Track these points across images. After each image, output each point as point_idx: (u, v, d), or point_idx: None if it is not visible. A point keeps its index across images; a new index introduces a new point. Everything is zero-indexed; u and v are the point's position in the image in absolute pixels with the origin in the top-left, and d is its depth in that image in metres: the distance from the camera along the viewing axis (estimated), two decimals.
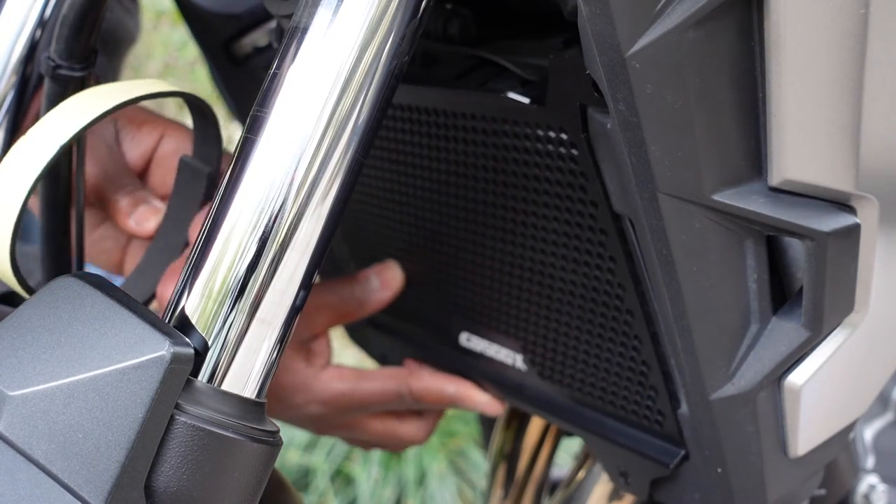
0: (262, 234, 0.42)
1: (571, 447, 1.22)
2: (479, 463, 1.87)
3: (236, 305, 0.42)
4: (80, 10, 0.54)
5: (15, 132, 0.61)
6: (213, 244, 0.42)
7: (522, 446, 0.87)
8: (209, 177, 0.63)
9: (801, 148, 0.44)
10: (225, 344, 0.42)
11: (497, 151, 0.60)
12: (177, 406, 0.40)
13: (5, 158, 0.50)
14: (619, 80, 0.43)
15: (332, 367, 0.76)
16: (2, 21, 0.60)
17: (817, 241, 0.45)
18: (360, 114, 0.43)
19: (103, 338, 0.40)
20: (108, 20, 0.80)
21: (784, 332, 0.50)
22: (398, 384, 0.75)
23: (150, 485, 0.40)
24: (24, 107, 0.61)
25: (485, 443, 1.13)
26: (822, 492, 0.68)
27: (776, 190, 0.45)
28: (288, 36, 0.44)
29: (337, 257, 0.82)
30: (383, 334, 0.82)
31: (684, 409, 0.58)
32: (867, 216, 0.46)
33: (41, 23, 0.60)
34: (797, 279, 0.51)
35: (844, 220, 0.46)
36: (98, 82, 0.77)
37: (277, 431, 0.44)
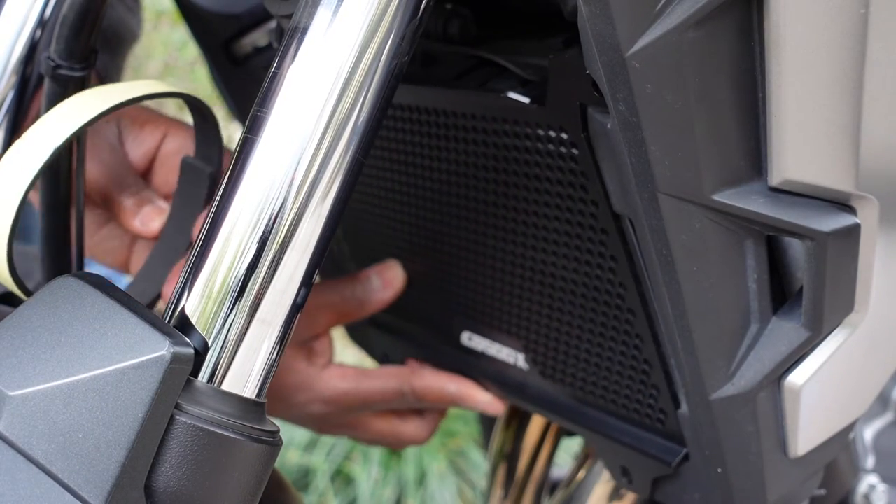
0: (262, 234, 0.42)
1: (571, 447, 1.22)
2: (479, 463, 1.87)
3: (236, 305, 0.42)
4: (80, 10, 0.54)
5: (15, 132, 0.61)
6: (213, 244, 0.42)
7: (522, 446, 0.87)
8: (211, 177, 0.63)
9: (801, 148, 0.44)
10: (225, 344, 0.42)
11: (497, 151, 0.60)
12: (177, 406, 0.40)
13: (3, 158, 0.50)
14: (619, 80, 0.43)
15: (334, 365, 0.76)
16: (2, 21, 0.60)
17: (817, 241, 0.45)
18: (360, 114, 0.43)
19: (103, 338, 0.40)
20: (110, 18, 0.80)
21: (784, 332, 0.50)
22: (400, 383, 0.75)
23: (150, 485, 0.40)
24: (24, 107, 0.61)
25: (485, 443, 1.13)
26: (822, 492, 0.68)
27: (776, 190, 0.45)
28: (288, 36, 0.44)
29: (337, 257, 0.82)
30: (384, 334, 0.82)
31: (684, 408, 0.58)
32: (867, 216, 0.46)
33: (41, 23, 0.60)
34: (797, 279, 0.51)
35: (844, 220, 0.46)
36: (101, 81, 0.78)
37: (277, 431, 0.44)
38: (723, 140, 0.44)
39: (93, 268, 0.64)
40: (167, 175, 0.69)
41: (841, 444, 0.60)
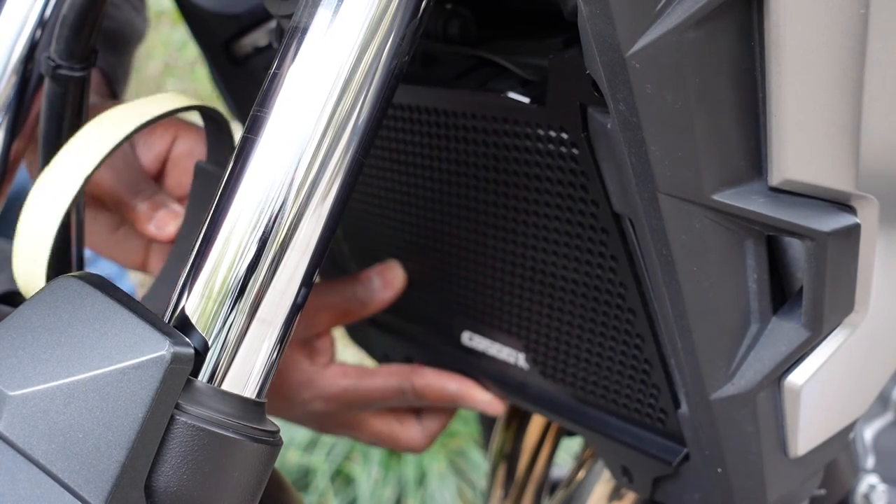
0: (262, 234, 0.42)
1: (571, 447, 1.22)
2: (479, 463, 1.87)
3: (236, 305, 0.42)
4: (80, 10, 0.54)
5: (15, 132, 0.61)
6: (213, 244, 0.42)
7: (522, 446, 0.87)
8: None
9: (801, 148, 0.44)
10: (225, 344, 0.42)
11: (497, 151, 0.60)
12: (177, 406, 0.40)
13: (33, 192, 0.51)
14: (619, 80, 0.43)
15: (336, 364, 0.77)
16: (2, 21, 0.60)
17: (817, 241, 0.45)
18: (360, 114, 0.43)
19: (103, 338, 0.40)
20: (117, 20, 0.81)
21: (784, 332, 0.50)
22: (400, 381, 0.75)
23: (151, 485, 0.40)
24: (24, 107, 0.61)
25: (485, 443, 1.13)
26: (822, 492, 0.68)
27: (776, 190, 0.45)
28: (288, 36, 0.44)
29: (337, 257, 0.82)
30: (385, 334, 0.82)
31: (684, 408, 0.58)
32: (867, 216, 0.46)
33: (41, 23, 0.60)
34: (797, 279, 0.51)
35: (844, 220, 0.46)
36: (109, 82, 0.78)
37: (277, 431, 0.44)
38: (723, 140, 0.44)
39: (96, 267, 0.64)
40: (180, 177, 0.69)
41: (841, 444, 0.60)
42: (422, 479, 1.87)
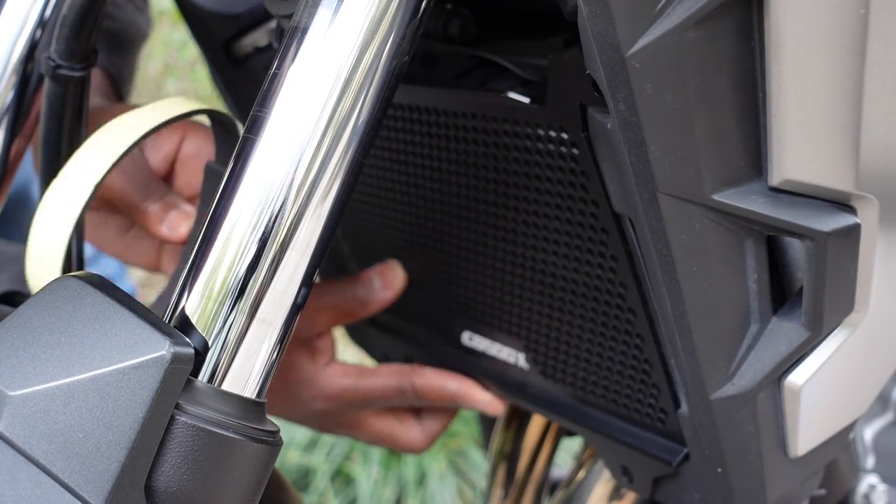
0: (262, 234, 0.42)
1: (571, 447, 1.22)
2: (479, 463, 1.87)
3: (236, 305, 0.42)
4: (80, 10, 0.54)
5: (15, 132, 0.61)
6: (213, 244, 0.42)
7: (522, 446, 0.87)
8: None
9: (801, 148, 0.44)
10: (225, 344, 0.42)
11: (498, 151, 0.60)
12: (177, 406, 0.40)
13: (46, 197, 0.51)
14: (619, 80, 0.43)
15: (336, 363, 0.77)
16: (2, 21, 0.60)
17: (817, 241, 0.45)
18: (360, 114, 0.43)
19: (103, 338, 0.40)
20: (120, 20, 0.81)
21: (784, 332, 0.50)
22: (400, 380, 0.75)
23: (151, 485, 0.40)
24: (24, 107, 0.61)
25: (485, 443, 1.13)
26: (822, 492, 0.68)
27: (776, 190, 0.45)
28: (288, 36, 0.44)
29: (338, 257, 0.83)
30: (385, 334, 0.82)
31: (684, 408, 0.58)
32: (867, 216, 0.46)
33: (41, 23, 0.60)
34: (797, 279, 0.51)
35: (844, 220, 0.46)
36: (114, 83, 0.78)
37: (277, 431, 0.44)
38: (723, 140, 0.44)
39: (96, 267, 0.64)
40: (189, 177, 0.69)
41: (841, 444, 0.60)
42: (422, 479, 1.87)
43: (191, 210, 0.67)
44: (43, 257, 0.51)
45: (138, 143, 0.52)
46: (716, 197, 0.45)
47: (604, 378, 0.63)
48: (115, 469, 0.39)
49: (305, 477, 1.87)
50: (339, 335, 0.83)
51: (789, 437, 0.54)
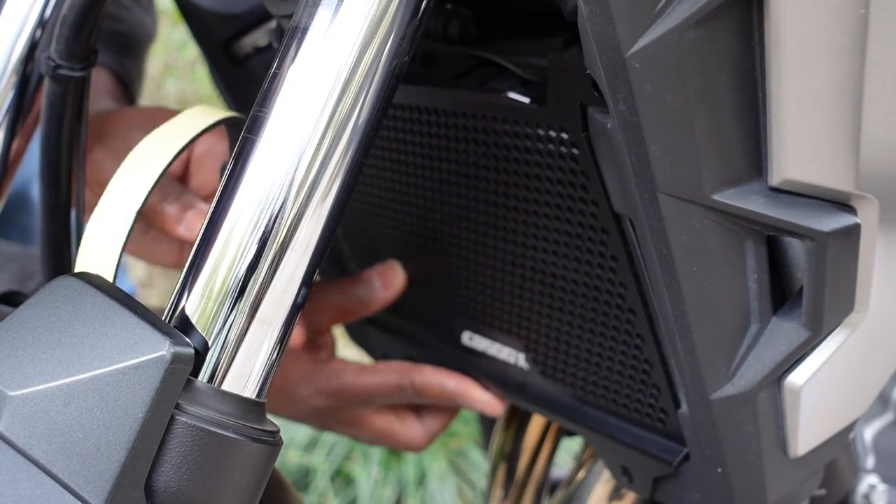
0: (262, 234, 0.42)
1: (571, 447, 1.22)
2: (479, 463, 1.87)
3: (236, 305, 0.42)
4: (80, 10, 0.54)
5: (15, 132, 0.61)
6: (213, 244, 0.42)
7: (522, 446, 0.87)
8: None
9: (801, 148, 0.44)
10: (225, 344, 0.42)
11: (498, 151, 0.60)
12: (177, 406, 0.40)
13: (90, 225, 0.50)
14: (619, 80, 0.43)
15: (337, 360, 0.77)
16: (2, 21, 0.60)
17: (817, 241, 0.45)
18: (360, 114, 0.43)
19: (103, 338, 0.40)
20: (128, 22, 0.81)
21: (784, 332, 0.50)
22: (400, 377, 0.76)
23: (151, 485, 0.40)
24: (24, 107, 0.61)
25: (485, 443, 1.13)
26: (822, 492, 0.68)
27: (776, 190, 0.45)
28: (288, 36, 0.44)
29: (338, 257, 0.83)
30: (384, 333, 0.82)
31: (684, 408, 0.58)
32: (867, 216, 0.46)
33: (41, 23, 0.60)
34: (797, 279, 0.51)
35: (844, 220, 0.46)
36: (124, 85, 0.78)
37: (277, 431, 0.44)
38: (723, 140, 0.44)
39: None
40: (204, 176, 0.70)
41: (841, 444, 0.60)
42: (422, 479, 1.87)
43: (207, 209, 0.67)
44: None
45: (175, 160, 0.51)
46: (716, 197, 0.45)
47: (604, 378, 0.63)
48: (115, 469, 0.39)
49: (305, 477, 1.87)
50: (339, 335, 0.83)
51: (789, 437, 0.54)
